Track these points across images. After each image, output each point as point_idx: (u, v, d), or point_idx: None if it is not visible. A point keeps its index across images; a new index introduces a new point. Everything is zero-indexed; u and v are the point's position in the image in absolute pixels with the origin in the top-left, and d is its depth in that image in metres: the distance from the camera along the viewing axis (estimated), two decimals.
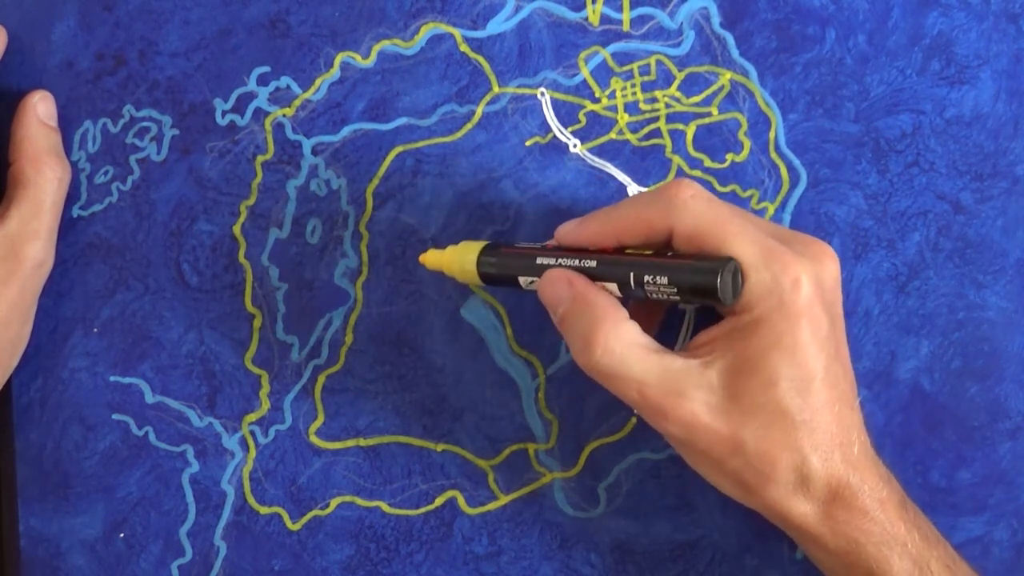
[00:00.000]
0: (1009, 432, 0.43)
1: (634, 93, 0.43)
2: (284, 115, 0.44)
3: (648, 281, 0.36)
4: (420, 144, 0.43)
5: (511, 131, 0.43)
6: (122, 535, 0.44)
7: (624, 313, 0.37)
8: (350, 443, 0.44)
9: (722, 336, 0.36)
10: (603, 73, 0.43)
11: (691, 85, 0.43)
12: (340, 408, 0.44)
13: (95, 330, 0.44)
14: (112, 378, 0.44)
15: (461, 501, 0.44)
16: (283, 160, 0.44)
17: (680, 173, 0.43)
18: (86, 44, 0.44)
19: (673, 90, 0.43)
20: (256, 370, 0.44)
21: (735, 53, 0.43)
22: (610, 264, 0.37)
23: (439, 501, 0.44)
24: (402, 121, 0.43)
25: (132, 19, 0.44)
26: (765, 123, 0.43)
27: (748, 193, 0.43)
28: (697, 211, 0.36)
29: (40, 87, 0.44)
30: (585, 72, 0.43)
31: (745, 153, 0.43)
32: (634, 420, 0.43)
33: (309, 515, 0.44)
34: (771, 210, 0.43)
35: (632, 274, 0.36)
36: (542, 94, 0.43)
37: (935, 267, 0.43)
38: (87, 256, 0.44)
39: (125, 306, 0.44)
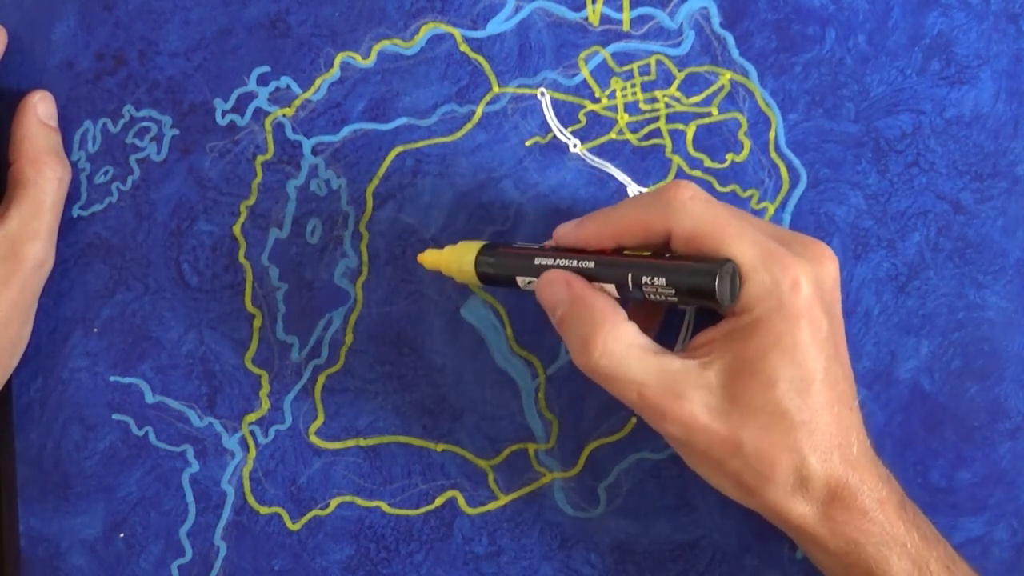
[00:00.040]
0: (1009, 432, 0.43)
1: (634, 93, 0.43)
2: (284, 115, 0.44)
3: (646, 282, 0.36)
4: (420, 144, 0.43)
5: (511, 131, 0.43)
6: (122, 535, 0.44)
7: (622, 314, 0.37)
8: (350, 443, 0.44)
9: (721, 337, 0.36)
10: (603, 73, 0.43)
11: (691, 85, 0.43)
12: (340, 408, 0.44)
13: (95, 330, 0.44)
14: (112, 378, 0.44)
15: (461, 501, 0.44)
16: (283, 160, 0.44)
17: (680, 173, 0.43)
18: (86, 44, 0.44)
19: (673, 90, 0.43)
20: (256, 370, 0.44)
21: (735, 53, 0.43)
22: (608, 265, 0.37)
23: (439, 501, 0.44)
24: (402, 121, 0.43)
25: (132, 19, 0.44)
26: (765, 123, 0.43)
27: (748, 193, 0.43)
28: (696, 213, 0.36)
29: (40, 87, 0.44)
30: (585, 72, 0.43)
31: (745, 153, 0.43)
32: (634, 420, 0.43)
33: (309, 515, 0.44)
34: (771, 210, 0.43)
35: (630, 275, 0.36)
36: (542, 94, 0.43)
37: (935, 267, 0.43)
38: (87, 256, 0.44)
39: (125, 306, 0.44)
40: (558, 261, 0.38)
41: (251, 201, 0.44)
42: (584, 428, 0.43)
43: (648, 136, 0.43)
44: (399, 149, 0.43)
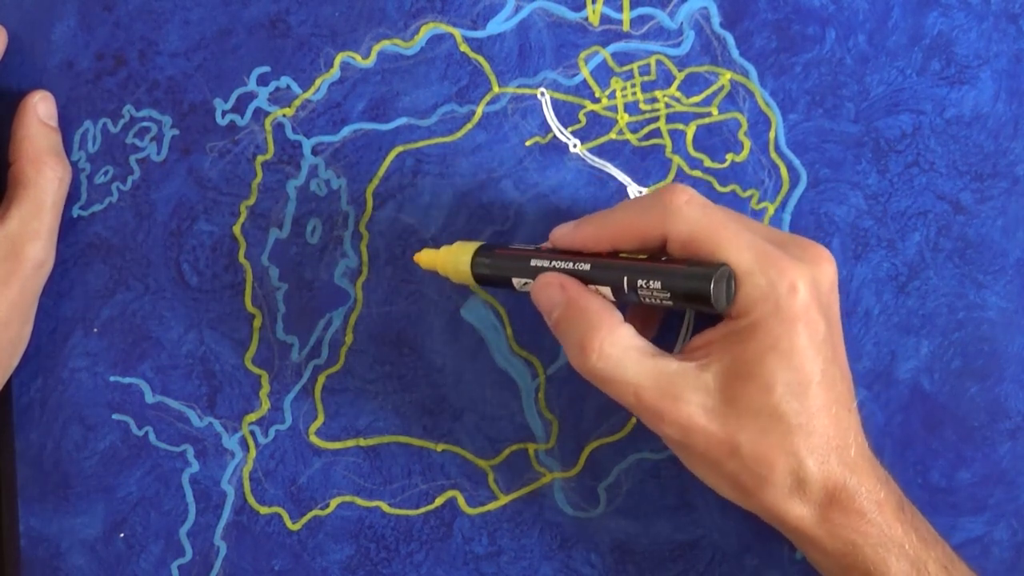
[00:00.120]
0: (1009, 432, 0.43)
1: (634, 93, 0.43)
2: (284, 115, 0.44)
3: (641, 285, 0.36)
4: (420, 144, 0.43)
5: (511, 131, 0.43)
6: (122, 535, 0.44)
7: (618, 317, 0.37)
8: (350, 443, 0.44)
9: (719, 339, 0.36)
10: (603, 73, 0.43)
11: (691, 85, 0.43)
12: (340, 408, 0.44)
13: (95, 330, 0.44)
14: (112, 378, 0.44)
15: (461, 501, 0.44)
16: (283, 160, 0.44)
17: (680, 173, 0.43)
18: (86, 44, 0.44)
19: (673, 90, 0.43)
20: (256, 370, 0.44)
21: (735, 53, 0.43)
22: (604, 268, 0.37)
23: (439, 501, 0.44)
24: (402, 121, 0.43)
25: (132, 19, 0.44)
26: (765, 123, 0.43)
27: (748, 193, 0.43)
28: (692, 217, 0.36)
29: (40, 87, 0.44)
30: (585, 72, 0.43)
31: (745, 153, 0.43)
32: (634, 420, 0.43)
33: (309, 515, 0.44)
34: (771, 210, 0.43)
35: (626, 278, 0.36)
36: (542, 94, 0.43)
37: (935, 267, 0.43)
38: (87, 256, 0.44)
39: (125, 306, 0.44)
40: (554, 263, 0.38)
41: (251, 201, 0.44)
42: (584, 428, 0.43)
43: (648, 136, 0.43)
44: (399, 149, 0.43)
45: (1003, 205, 0.43)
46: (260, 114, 0.44)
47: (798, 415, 0.35)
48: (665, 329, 0.41)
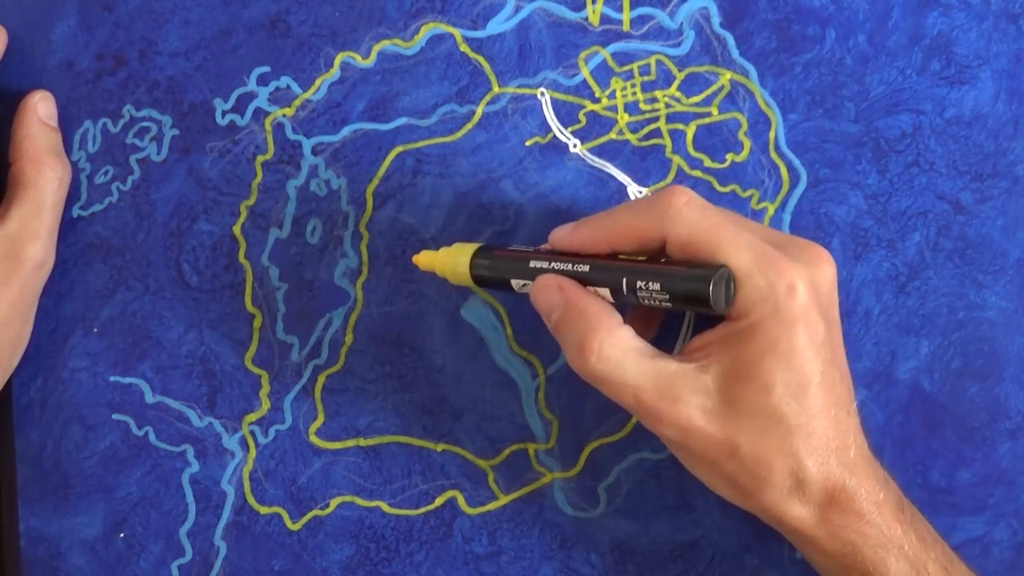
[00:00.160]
0: (1009, 432, 0.43)
1: (634, 93, 0.43)
2: (284, 115, 0.44)
3: (640, 287, 0.36)
4: (420, 144, 0.43)
5: (511, 131, 0.43)
6: (122, 535, 0.44)
7: (617, 318, 0.37)
8: (350, 443, 0.44)
9: (718, 341, 0.36)
10: (603, 73, 0.43)
11: (691, 85, 0.43)
12: (340, 408, 0.44)
13: (95, 330, 0.44)
14: (112, 378, 0.44)
15: (461, 501, 0.44)
16: (283, 160, 0.44)
17: (680, 173, 0.43)
18: (86, 44, 0.44)
19: (673, 90, 0.43)
20: (256, 370, 0.44)
21: (735, 53, 0.43)
22: (603, 269, 0.37)
23: (439, 501, 0.44)
24: (402, 121, 0.43)
25: (132, 19, 0.44)
26: (765, 123, 0.43)
27: (748, 193, 0.43)
28: (691, 219, 0.36)
29: (40, 87, 0.44)
30: (585, 72, 0.43)
31: (745, 153, 0.43)
32: (634, 420, 0.43)
33: (309, 515, 0.44)
34: (771, 210, 0.43)
35: (624, 280, 0.36)
36: (542, 94, 0.43)
37: (935, 267, 0.43)
38: (87, 256, 0.44)
39: (125, 306, 0.44)
40: (553, 264, 0.38)
41: (251, 201, 0.44)
42: (584, 428, 0.43)
43: (648, 136, 0.43)
44: (399, 149, 0.43)
45: (1003, 205, 0.43)
46: (260, 114, 0.44)
47: (797, 416, 0.35)
48: (664, 330, 0.41)
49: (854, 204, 0.43)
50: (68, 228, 0.44)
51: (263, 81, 0.44)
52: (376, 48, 0.43)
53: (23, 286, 0.42)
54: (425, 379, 0.44)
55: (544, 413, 0.44)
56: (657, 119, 0.43)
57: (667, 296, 0.35)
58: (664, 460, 0.43)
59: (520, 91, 0.43)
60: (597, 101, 0.43)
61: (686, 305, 0.36)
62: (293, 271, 0.44)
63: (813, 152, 0.43)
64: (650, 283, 0.36)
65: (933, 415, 0.43)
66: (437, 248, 0.42)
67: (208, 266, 0.44)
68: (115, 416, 0.44)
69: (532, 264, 0.39)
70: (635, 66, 0.43)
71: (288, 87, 0.44)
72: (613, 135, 0.43)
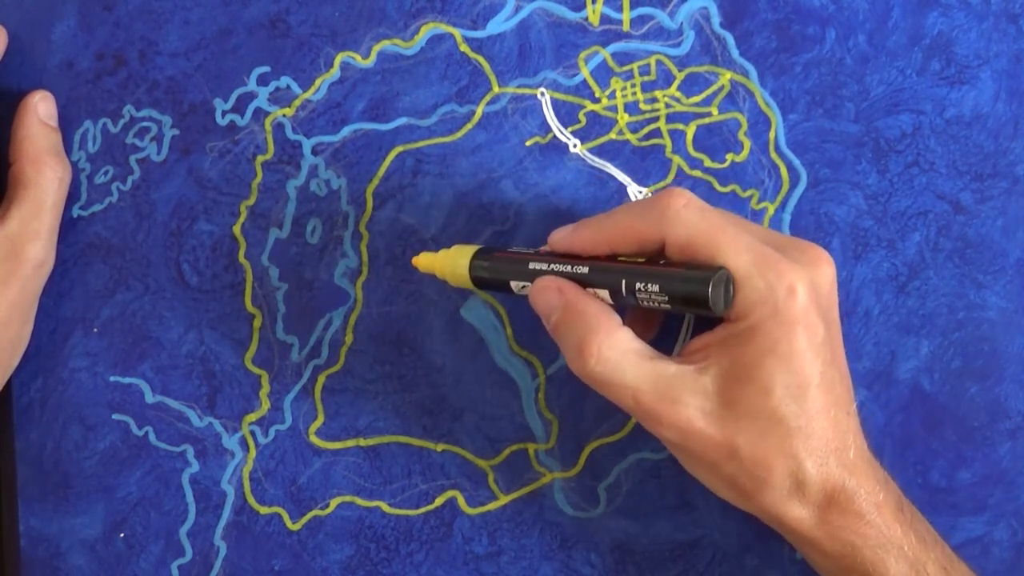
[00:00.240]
0: (1009, 432, 0.43)
1: (634, 93, 0.43)
2: (284, 115, 0.44)
3: (639, 289, 0.36)
4: (420, 144, 0.43)
5: (511, 131, 0.43)
6: (122, 535, 0.44)
7: (617, 320, 0.37)
8: (350, 443, 0.44)
9: (717, 342, 0.36)
10: (603, 73, 0.43)
11: (691, 85, 0.43)
12: (340, 408, 0.44)
13: (95, 330, 0.44)
14: (112, 378, 0.44)
15: (461, 501, 0.44)
16: (283, 160, 0.44)
17: (680, 173, 0.43)
18: (86, 44, 0.44)
19: (673, 90, 0.43)
20: (256, 370, 0.44)
21: (735, 53, 0.43)
22: (602, 271, 0.37)
23: (439, 501, 0.44)
24: (402, 121, 0.43)
25: (132, 19, 0.44)
26: (765, 123, 0.43)
27: (748, 193, 0.43)
28: (690, 221, 0.36)
29: (40, 87, 0.44)
30: (585, 72, 0.43)
31: (745, 153, 0.43)
32: (634, 420, 0.43)
33: (309, 515, 0.44)
34: (771, 210, 0.43)
35: (624, 281, 0.36)
36: (542, 94, 0.43)
37: (935, 267, 0.43)
38: (87, 256, 0.44)
39: (125, 306, 0.44)
40: (552, 266, 0.38)
41: (251, 201, 0.44)
42: (584, 428, 0.43)
43: (648, 136, 0.43)
44: (399, 149, 0.43)
45: (1003, 205, 0.43)
46: (260, 114, 0.44)
47: (797, 417, 0.35)
48: (664, 332, 0.41)
49: (854, 204, 0.43)
50: (68, 228, 0.44)
51: (263, 81, 0.44)
52: (376, 48, 0.43)
53: (23, 286, 0.42)
54: (425, 379, 0.44)
55: (544, 413, 0.44)
56: (657, 119, 0.43)
57: (666, 298, 0.35)
58: (664, 460, 0.43)
59: (520, 91, 0.43)
60: (597, 101, 0.43)
61: (685, 307, 0.36)
62: (293, 271, 0.44)
63: (813, 152, 0.43)
64: (649, 285, 0.36)
65: (933, 415, 0.43)
66: (437, 249, 0.42)
67: (208, 266, 0.44)
68: (115, 416, 0.44)
69: (531, 266, 0.39)
70: (635, 66, 0.43)
71: (288, 87, 0.44)
72: (613, 135, 0.43)
